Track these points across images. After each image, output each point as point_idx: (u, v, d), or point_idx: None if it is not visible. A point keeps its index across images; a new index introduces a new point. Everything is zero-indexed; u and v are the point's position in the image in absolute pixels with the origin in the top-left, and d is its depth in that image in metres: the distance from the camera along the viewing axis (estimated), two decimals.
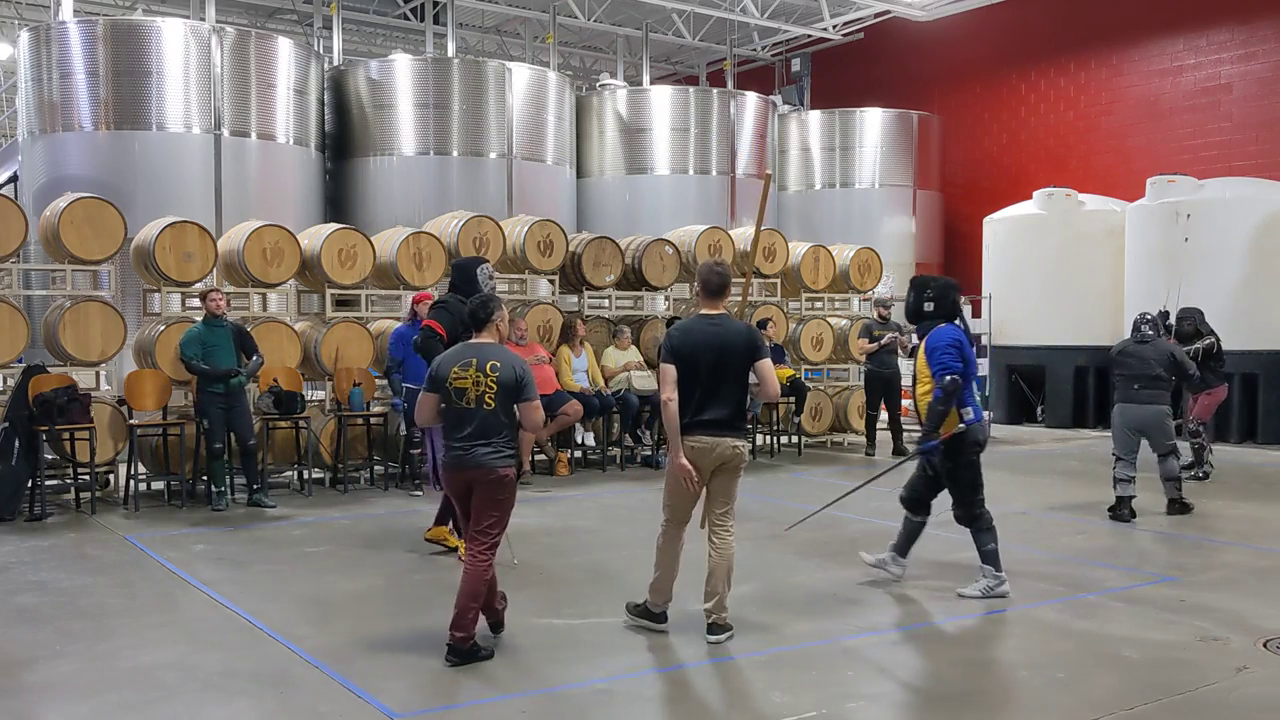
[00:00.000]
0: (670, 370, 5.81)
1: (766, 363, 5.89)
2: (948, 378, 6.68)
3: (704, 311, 6.00)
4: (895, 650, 5.84)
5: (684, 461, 5.77)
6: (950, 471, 6.91)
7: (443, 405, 5.60)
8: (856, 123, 21.14)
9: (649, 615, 6.05)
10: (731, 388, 5.85)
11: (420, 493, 10.62)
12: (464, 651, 5.47)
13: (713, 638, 5.82)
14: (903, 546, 7.24)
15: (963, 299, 7.84)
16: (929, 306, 7.05)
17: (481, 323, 5.75)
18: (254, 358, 10.02)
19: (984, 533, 6.87)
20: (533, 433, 5.95)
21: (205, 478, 10.19)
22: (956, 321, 7.04)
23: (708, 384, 5.81)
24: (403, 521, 9.37)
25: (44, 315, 10.83)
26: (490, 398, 5.50)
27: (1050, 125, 20.52)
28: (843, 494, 8.00)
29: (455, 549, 7.60)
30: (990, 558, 6.82)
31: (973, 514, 6.92)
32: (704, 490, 5.93)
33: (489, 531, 5.56)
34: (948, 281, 7.21)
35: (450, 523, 7.76)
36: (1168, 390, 9.52)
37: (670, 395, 5.79)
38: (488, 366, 5.52)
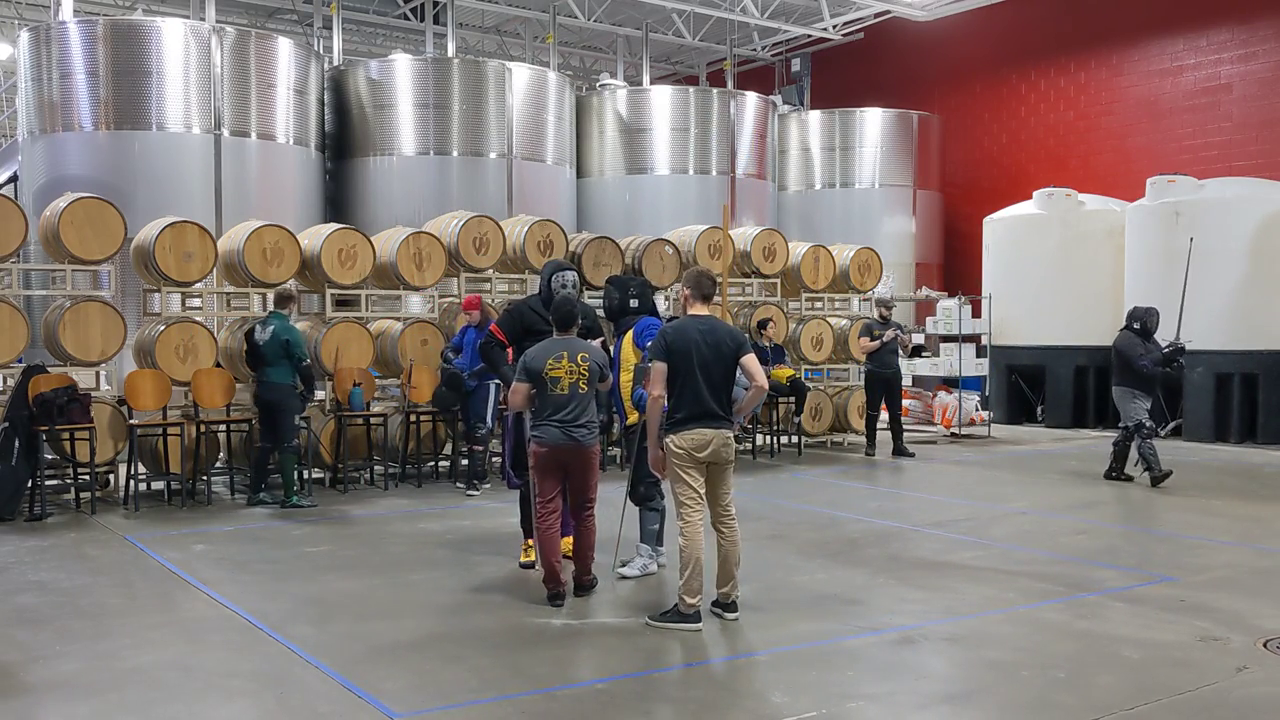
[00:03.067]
0: (662, 368, 6.13)
1: (751, 357, 6.30)
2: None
3: (693, 313, 6.36)
4: (895, 650, 5.84)
5: (660, 455, 6.22)
6: (639, 454, 7.23)
7: (533, 392, 6.54)
8: (856, 123, 21.15)
9: (682, 618, 6.10)
10: (723, 383, 6.23)
11: (477, 492, 10.64)
12: (589, 587, 6.74)
13: (731, 615, 6.25)
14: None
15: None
16: (634, 304, 7.72)
17: (567, 323, 6.68)
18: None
19: (653, 513, 7.39)
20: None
21: (205, 477, 10.19)
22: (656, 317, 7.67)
23: (703, 380, 6.13)
24: (402, 521, 9.37)
25: (44, 315, 10.83)
26: (584, 383, 6.54)
27: (1050, 125, 20.53)
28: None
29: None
30: (650, 537, 7.39)
31: (648, 495, 7.36)
32: (703, 487, 6.24)
33: (592, 499, 6.73)
34: (644, 281, 7.96)
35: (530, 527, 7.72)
36: (1124, 375, 11.32)
37: (660, 393, 6.14)
38: (578, 357, 6.55)
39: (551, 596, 6.58)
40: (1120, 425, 11.49)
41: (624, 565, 7.43)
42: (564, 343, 6.61)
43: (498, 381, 10.69)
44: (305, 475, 10.55)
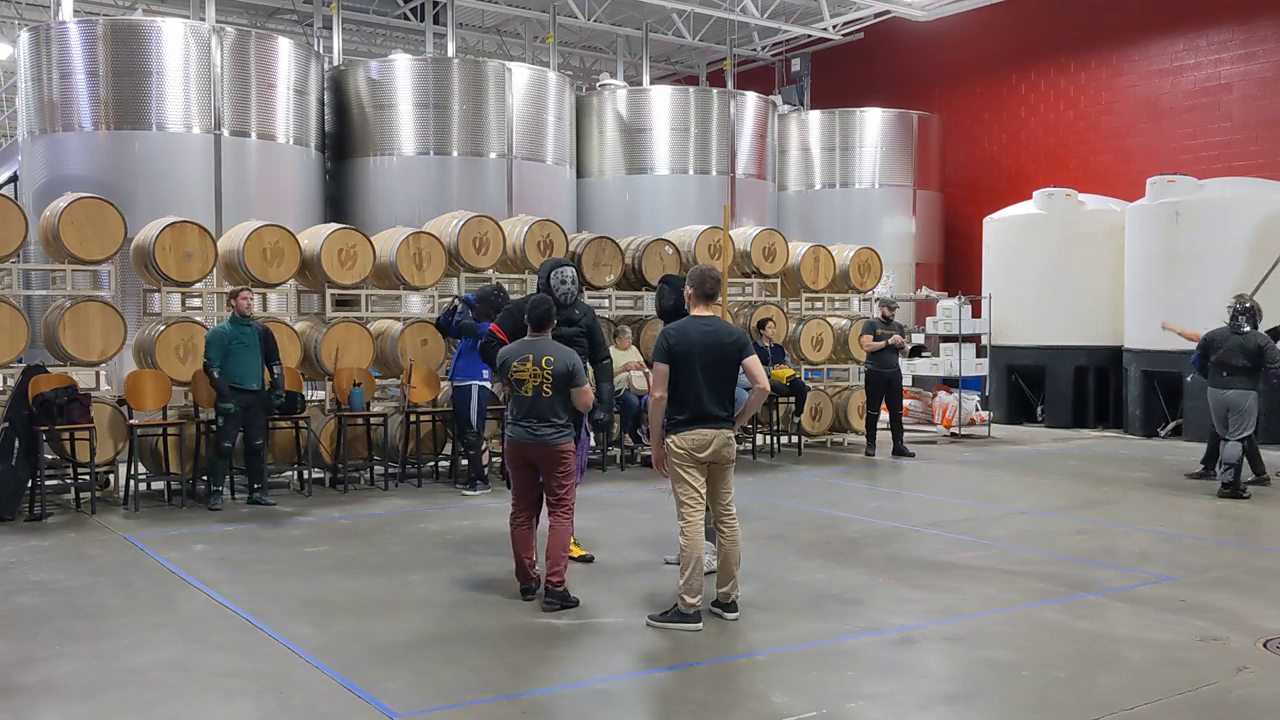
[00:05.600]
0: (664, 370, 6.14)
1: (754, 359, 6.29)
2: None
3: (696, 313, 6.33)
4: (895, 650, 5.84)
5: (662, 456, 6.25)
6: None
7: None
8: (856, 123, 21.15)
9: (682, 618, 6.11)
10: (725, 384, 6.23)
11: (475, 493, 10.63)
12: (560, 595, 6.46)
13: (731, 615, 6.25)
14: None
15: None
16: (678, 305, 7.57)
17: (541, 323, 6.61)
18: (277, 369, 10.10)
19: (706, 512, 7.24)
20: (582, 411, 6.78)
21: (205, 477, 10.20)
22: None
23: (704, 381, 6.13)
24: (402, 522, 9.37)
25: (44, 315, 10.83)
26: (547, 387, 6.47)
27: (1050, 125, 20.53)
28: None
29: (583, 557, 7.67)
30: (709, 535, 7.14)
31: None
32: (704, 487, 6.26)
33: (565, 499, 6.60)
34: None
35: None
36: (1252, 377, 10.53)
37: (662, 394, 6.15)
38: (543, 360, 6.48)
39: (522, 591, 6.70)
40: (1238, 435, 10.46)
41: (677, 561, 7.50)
42: (532, 344, 6.59)
43: (480, 384, 10.73)
44: (230, 478, 10.39)
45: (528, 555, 6.71)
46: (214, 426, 9.90)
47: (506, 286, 11.91)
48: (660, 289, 7.87)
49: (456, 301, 11.27)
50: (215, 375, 9.72)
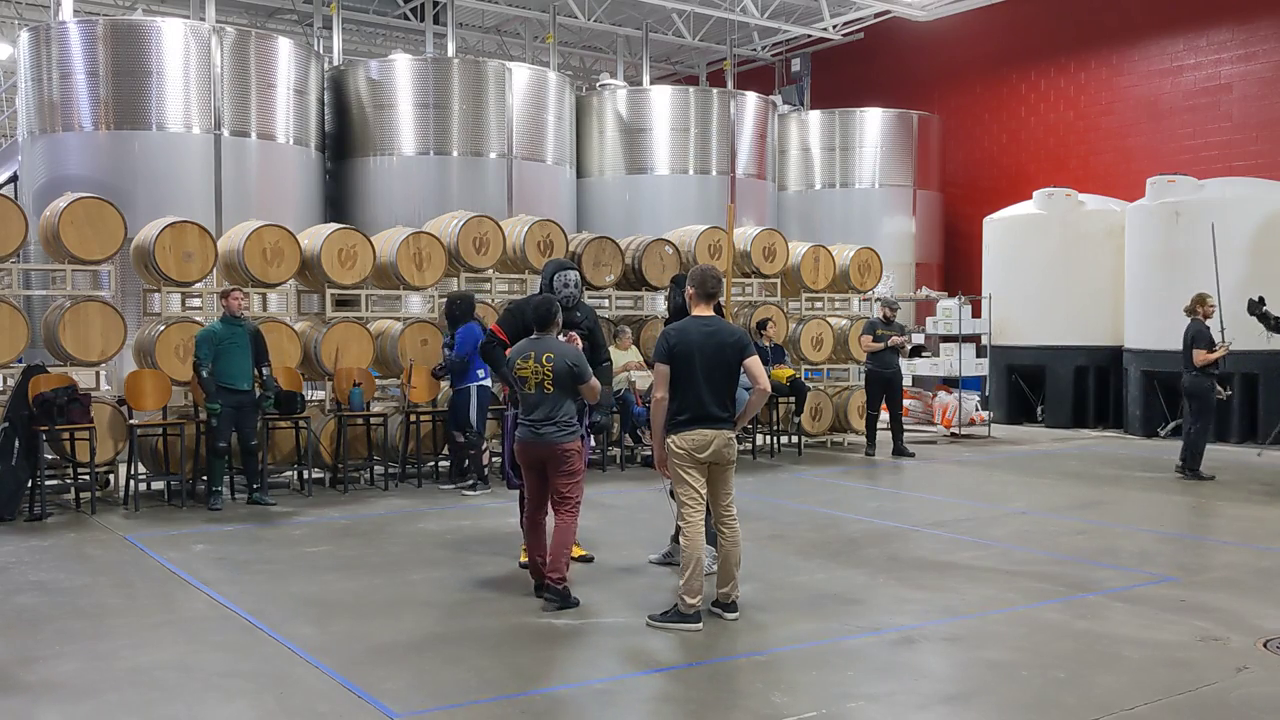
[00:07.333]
0: (665, 370, 6.15)
1: (755, 359, 6.28)
2: None
3: (697, 313, 6.33)
4: (895, 650, 5.84)
5: (664, 457, 6.24)
6: None
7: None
8: (856, 123, 21.16)
9: (682, 618, 6.11)
10: (725, 385, 6.22)
11: (474, 493, 10.63)
12: (560, 594, 6.44)
13: (731, 615, 6.25)
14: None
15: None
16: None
17: (544, 323, 6.65)
18: (266, 371, 10.06)
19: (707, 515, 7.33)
20: (592, 403, 6.94)
21: (204, 477, 10.20)
22: None
23: (705, 382, 6.13)
24: (402, 522, 9.37)
25: (44, 315, 10.83)
26: (549, 384, 6.49)
27: (1050, 125, 20.53)
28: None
29: (583, 557, 7.67)
30: (709, 539, 7.15)
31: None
32: (704, 487, 6.26)
33: (569, 496, 6.60)
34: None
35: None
36: None
37: (663, 394, 6.16)
38: (544, 358, 6.52)
39: (536, 588, 6.74)
40: None
41: (661, 560, 7.61)
42: (535, 343, 6.64)
43: (478, 385, 10.74)
44: (230, 478, 10.40)
45: (540, 554, 6.70)
46: (210, 426, 9.91)
47: (471, 292, 11.89)
48: (671, 289, 7.89)
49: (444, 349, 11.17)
50: (204, 375, 9.72)
